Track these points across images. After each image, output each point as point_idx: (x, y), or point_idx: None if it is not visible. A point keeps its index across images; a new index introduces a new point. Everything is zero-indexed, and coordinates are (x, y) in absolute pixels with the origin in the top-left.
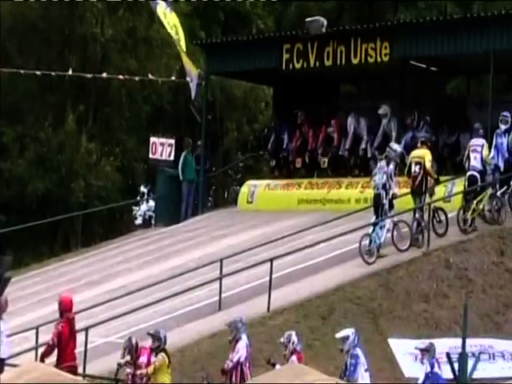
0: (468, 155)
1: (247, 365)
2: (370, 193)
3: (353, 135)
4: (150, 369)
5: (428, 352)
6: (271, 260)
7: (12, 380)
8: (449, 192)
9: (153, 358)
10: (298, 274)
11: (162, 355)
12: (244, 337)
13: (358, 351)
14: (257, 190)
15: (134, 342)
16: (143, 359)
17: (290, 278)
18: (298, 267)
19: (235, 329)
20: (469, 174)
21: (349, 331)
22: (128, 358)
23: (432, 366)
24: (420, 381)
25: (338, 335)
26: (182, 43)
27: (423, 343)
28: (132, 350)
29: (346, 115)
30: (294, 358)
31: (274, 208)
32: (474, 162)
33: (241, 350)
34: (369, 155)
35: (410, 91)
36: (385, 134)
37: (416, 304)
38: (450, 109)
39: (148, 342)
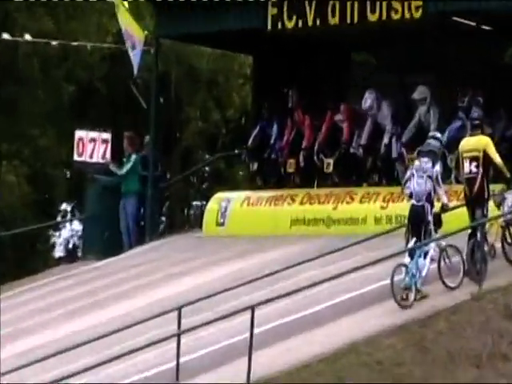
0: None
1: None
2: (397, 207)
3: (371, 125)
4: None
5: None
6: (252, 308)
7: None
8: (509, 206)
9: None
10: (290, 327)
11: None
12: None
13: None
14: (230, 205)
15: None
16: None
17: (279, 333)
18: (292, 318)
19: None
20: None
21: None
22: None
23: None
24: None
25: None
26: None
27: None
28: None
29: (360, 96)
30: None
31: (255, 232)
32: None
33: None
34: (394, 154)
35: (451, 61)
36: (420, 126)
37: (463, 370)
38: (511, 86)
39: None
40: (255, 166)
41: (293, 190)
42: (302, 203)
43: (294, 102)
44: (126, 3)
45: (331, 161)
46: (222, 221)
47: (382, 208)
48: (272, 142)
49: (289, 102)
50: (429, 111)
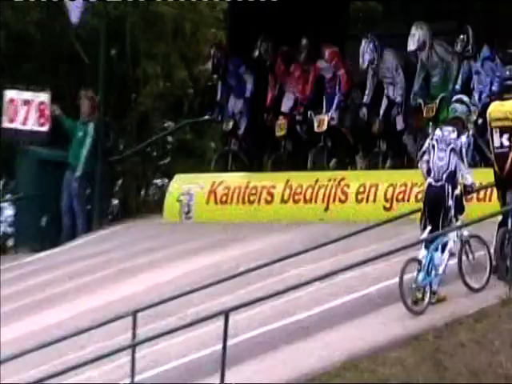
0: None
1: None
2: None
3: (373, 81)
4: None
5: None
6: (226, 313)
7: None
8: None
9: None
10: (273, 338)
11: None
12: None
13: None
14: (196, 189)
15: None
16: None
17: (258, 345)
18: (275, 326)
19: None
20: None
21: None
22: None
23: None
24: None
25: None
26: None
27: None
28: None
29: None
30: None
31: (231, 220)
32: None
33: None
34: (399, 126)
35: (477, 7)
36: (427, 75)
37: None
38: None
39: None
40: (230, 124)
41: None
42: (283, 201)
43: (270, 52)
44: None
45: (325, 117)
46: (187, 209)
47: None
48: (248, 94)
49: (261, 54)
50: (430, 57)
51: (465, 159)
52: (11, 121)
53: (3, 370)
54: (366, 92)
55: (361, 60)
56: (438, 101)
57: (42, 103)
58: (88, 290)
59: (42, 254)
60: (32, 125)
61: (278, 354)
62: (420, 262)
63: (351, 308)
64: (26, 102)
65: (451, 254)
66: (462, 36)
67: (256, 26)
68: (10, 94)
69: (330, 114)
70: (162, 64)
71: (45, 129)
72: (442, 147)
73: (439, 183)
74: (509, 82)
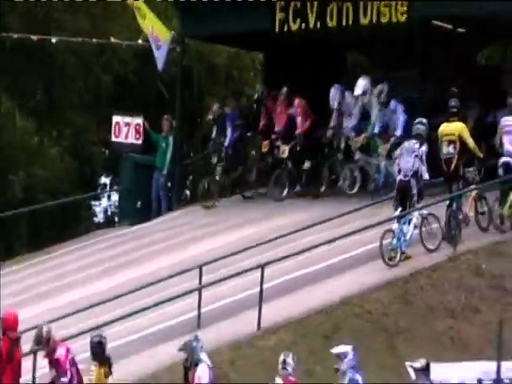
0: (501, 138)
1: None
2: None
3: (337, 114)
4: None
5: (424, 374)
6: (262, 266)
7: None
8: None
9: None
10: (294, 283)
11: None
12: (204, 357)
13: (358, 378)
14: None
15: (44, 330)
16: (61, 351)
17: (284, 288)
18: (295, 275)
19: (190, 350)
20: (502, 160)
21: (348, 347)
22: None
23: None
24: None
25: (335, 350)
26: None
27: (420, 362)
28: (43, 339)
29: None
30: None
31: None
32: (509, 145)
33: (203, 376)
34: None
35: (432, 59)
36: (365, 114)
37: (440, 320)
38: (483, 80)
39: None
40: (215, 159)
41: None
42: None
43: (265, 93)
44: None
45: (286, 147)
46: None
47: None
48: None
49: (260, 95)
50: (370, 101)
51: (424, 161)
52: (117, 137)
53: (114, 306)
54: (332, 119)
55: (332, 103)
56: (368, 133)
57: (137, 124)
58: (169, 251)
59: (138, 227)
60: (131, 139)
61: (296, 295)
62: (393, 232)
63: (347, 263)
64: (127, 124)
65: (415, 227)
66: (380, 86)
67: (282, 72)
68: (115, 118)
69: (290, 145)
70: (218, 99)
71: (139, 142)
72: (409, 154)
73: (407, 178)
74: (453, 110)
